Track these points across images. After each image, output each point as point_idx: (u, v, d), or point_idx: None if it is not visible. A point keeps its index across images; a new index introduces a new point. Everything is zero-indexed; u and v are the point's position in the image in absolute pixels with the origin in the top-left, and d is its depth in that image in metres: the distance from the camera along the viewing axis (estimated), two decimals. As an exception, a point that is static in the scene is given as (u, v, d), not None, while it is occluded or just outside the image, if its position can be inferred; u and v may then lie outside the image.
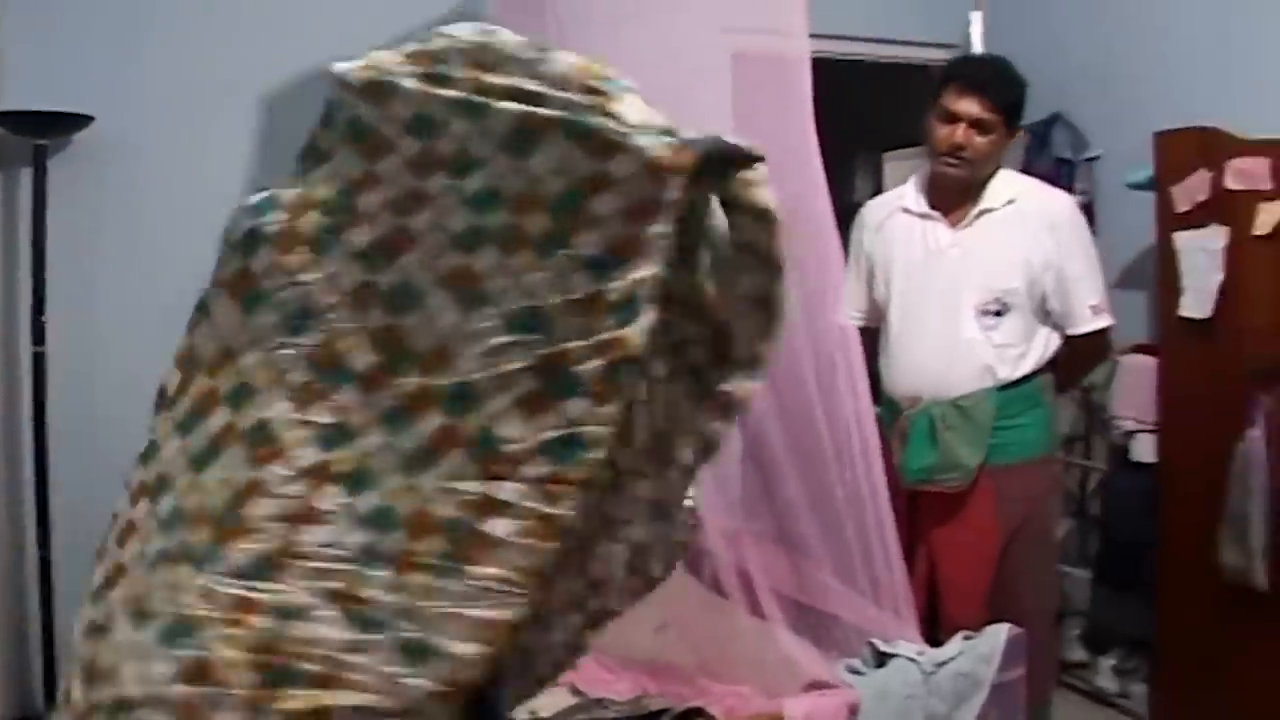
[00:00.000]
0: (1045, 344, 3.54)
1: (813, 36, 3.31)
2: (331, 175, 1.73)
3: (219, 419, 1.72)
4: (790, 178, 3.34)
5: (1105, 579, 4.72)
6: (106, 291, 4.19)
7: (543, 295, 1.60)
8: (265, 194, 1.78)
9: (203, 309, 1.80)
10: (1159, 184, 4.25)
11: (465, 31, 1.72)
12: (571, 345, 1.59)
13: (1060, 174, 5.02)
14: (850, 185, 7.01)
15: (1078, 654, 4.90)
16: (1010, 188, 3.55)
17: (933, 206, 3.61)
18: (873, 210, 3.85)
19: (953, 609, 3.52)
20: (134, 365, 3.97)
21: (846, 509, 3.26)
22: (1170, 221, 4.18)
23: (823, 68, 3.31)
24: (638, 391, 1.73)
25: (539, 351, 1.59)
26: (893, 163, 6.25)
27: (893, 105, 5.44)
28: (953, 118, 3.43)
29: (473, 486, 1.60)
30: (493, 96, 1.63)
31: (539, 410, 1.60)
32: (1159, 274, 4.26)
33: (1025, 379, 3.51)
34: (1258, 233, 3.91)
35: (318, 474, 1.67)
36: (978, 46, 4.62)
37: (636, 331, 1.57)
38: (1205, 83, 4.53)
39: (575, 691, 3.12)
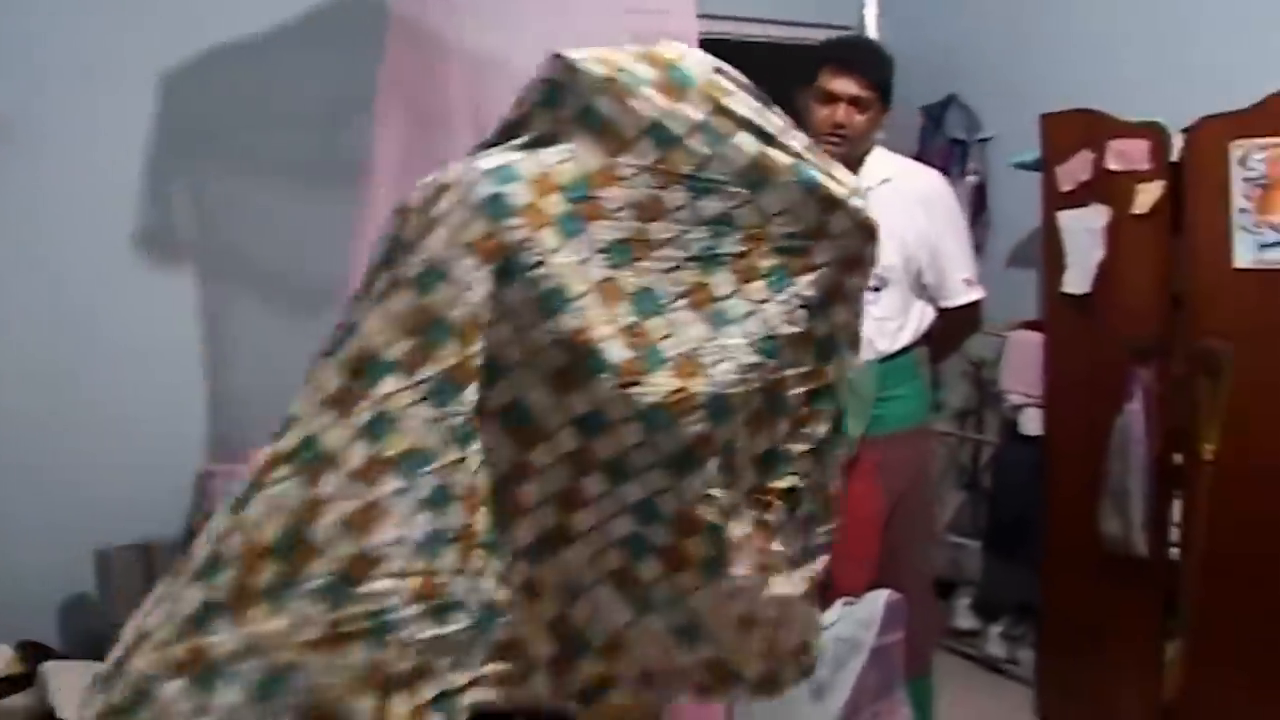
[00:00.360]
0: (920, 317, 3.63)
1: (706, 17, 3.36)
2: (568, 160, 1.74)
3: (474, 394, 1.70)
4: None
5: (994, 549, 4.83)
6: None
7: (776, 325, 1.79)
8: (497, 161, 1.75)
9: (436, 272, 1.69)
10: (1045, 164, 4.36)
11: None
12: (788, 373, 1.83)
13: (954, 154, 5.13)
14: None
15: (968, 622, 5.02)
16: (885, 167, 3.62)
17: None
18: None
19: (842, 578, 3.58)
20: (28, 352, 4.01)
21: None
22: (1055, 201, 4.29)
23: (718, 50, 3.36)
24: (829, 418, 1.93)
25: (769, 376, 1.80)
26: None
27: (789, 87, 5.52)
28: (831, 98, 3.48)
29: (723, 493, 1.79)
30: (731, 122, 1.77)
31: (760, 427, 1.83)
32: (1045, 252, 4.36)
33: (902, 351, 3.60)
34: (1136, 212, 4.03)
35: (580, 460, 1.74)
36: (872, 29, 4.68)
37: (834, 368, 1.88)
38: (1090, 66, 4.66)
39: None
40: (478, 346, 1.69)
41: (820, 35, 5.26)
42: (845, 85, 3.48)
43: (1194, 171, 3.91)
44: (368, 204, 3.60)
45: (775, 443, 1.88)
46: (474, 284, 1.68)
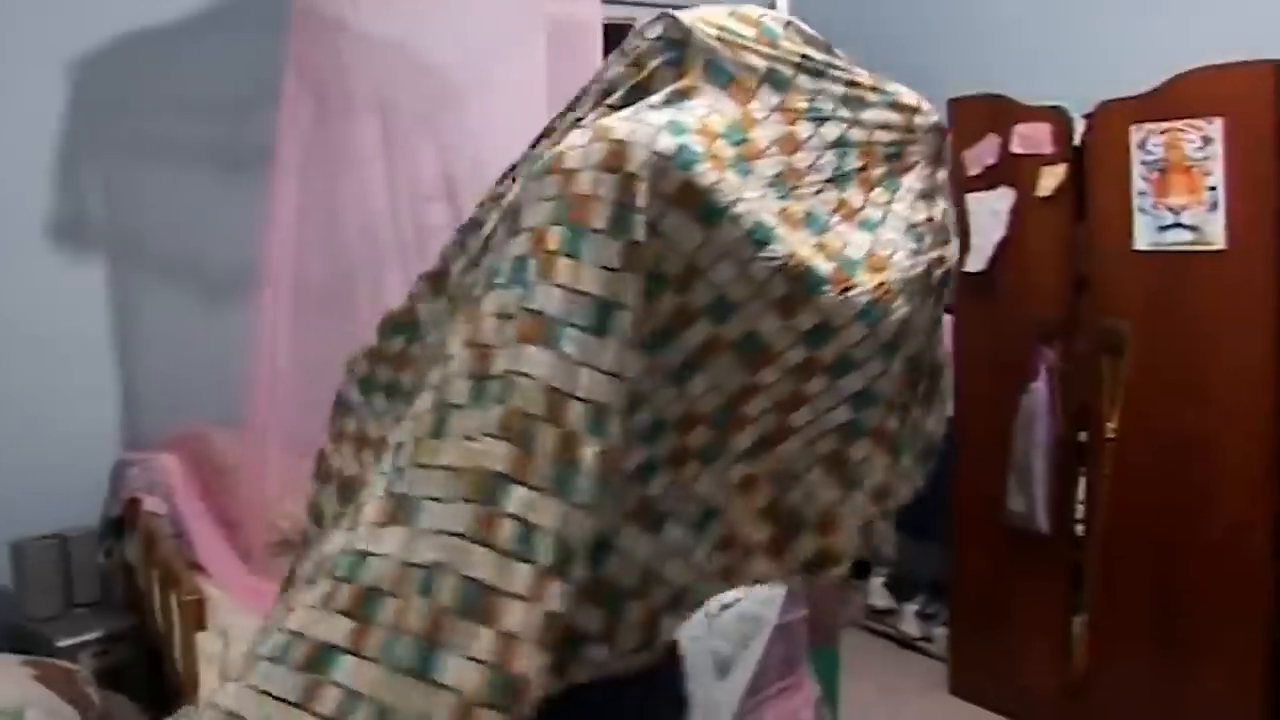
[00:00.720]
0: None
1: (611, 2, 3.40)
2: (713, 111, 1.81)
3: (699, 332, 1.77)
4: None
5: (907, 529, 4.87)
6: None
7: (907, 217, 1.93)
8: (664, 117, 1.76)
9: (644, 227, 1.71)
10: (953, 148, 4.40)
11: (770, 11, 1.91)
12: (932, 255, 1.97)
13: (866, 140, 5.17)
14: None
15: (884, 601, 5.09)
16: None
17: None
18: None
19: None
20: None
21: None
22: (963, 184, 4.35)
23: (621, 33, 3.39)
24: None
25: (925, 259, 1.94)
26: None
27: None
28: None
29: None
30: (817, 63, 1.88)
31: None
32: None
33: None
34: (1040, 195, 4.10)
35: (805, 368, 1.83)
36: (784, 12, 4.74)
37: (950, 249, 2.03)
38: (996, 51, 4.74)
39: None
40: (697, 291, 1.75)
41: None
42: None
43: (1095, 155, 3.99)
44: (274, 191, 3.61)
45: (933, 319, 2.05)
46: (681, 233, 1.73)
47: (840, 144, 1.90)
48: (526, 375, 1.67)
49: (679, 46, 1.86)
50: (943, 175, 2.05)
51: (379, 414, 2.12)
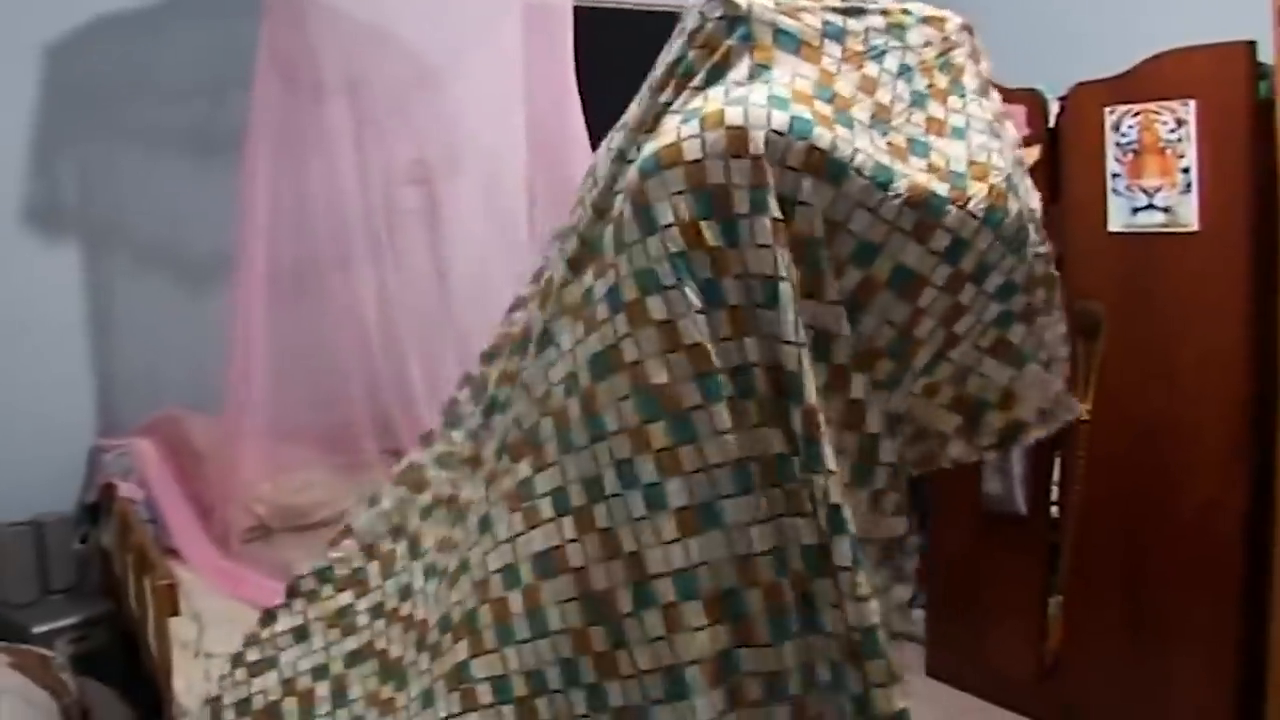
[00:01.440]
0: None
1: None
2: (795, 76, 1.95)
3: (852, 278, 1.96)
4: (553, 128, 3.45)
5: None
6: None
7: (981, 114, 2.16)
8: (760, 94, 1.89)
9: (789, 203, 1.87)
10: (928, 132, 4.42)
11: None
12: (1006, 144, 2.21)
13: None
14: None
15: (860, 583, 5.09)
16: None
17: None
18: None
19: None
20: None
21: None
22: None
23: (632, 20, 3.40)
24: None
25: (1012, 150, 2.24)
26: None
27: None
28: None
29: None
30: (851, 5, 2.08)
31: None
32: (929, 217, 4.42)
33: None
34: (1016, 176, 4.10)
35: (955, 281, 2.03)
36: (760, -1, 4.75)
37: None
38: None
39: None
40: (842, 242, 1.91)
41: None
42: None
43: (1070, 137, 3.98)
44: (246, 175, 3.60)
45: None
46: (816, 196, 1.87)
47: (904, 71, 2.08)
48: (755, 365, 1.88)
49: (744, 22, 1.97)
50: (985, 67, 2.28)
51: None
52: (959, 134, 2.07)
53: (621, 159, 2.03)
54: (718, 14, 1.97)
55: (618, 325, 1.91)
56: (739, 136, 1.83)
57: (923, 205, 1.92)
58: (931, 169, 1.98)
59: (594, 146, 3.38)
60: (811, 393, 1.84)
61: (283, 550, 3.72)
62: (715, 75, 1.96)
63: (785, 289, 1.84)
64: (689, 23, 2.03)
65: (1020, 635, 4.21)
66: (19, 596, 3.87)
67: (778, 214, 1.83)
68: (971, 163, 2.03)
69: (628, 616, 1.95)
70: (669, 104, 1.98)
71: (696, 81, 1.98)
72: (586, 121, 3.61)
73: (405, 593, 2.47)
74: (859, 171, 1.87)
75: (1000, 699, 4.29)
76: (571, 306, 2.03)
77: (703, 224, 1.85)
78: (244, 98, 3.64)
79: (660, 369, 1.87)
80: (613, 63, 4.37)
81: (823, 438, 1.84)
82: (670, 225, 1.86)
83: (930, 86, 2.10)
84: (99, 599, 3.95)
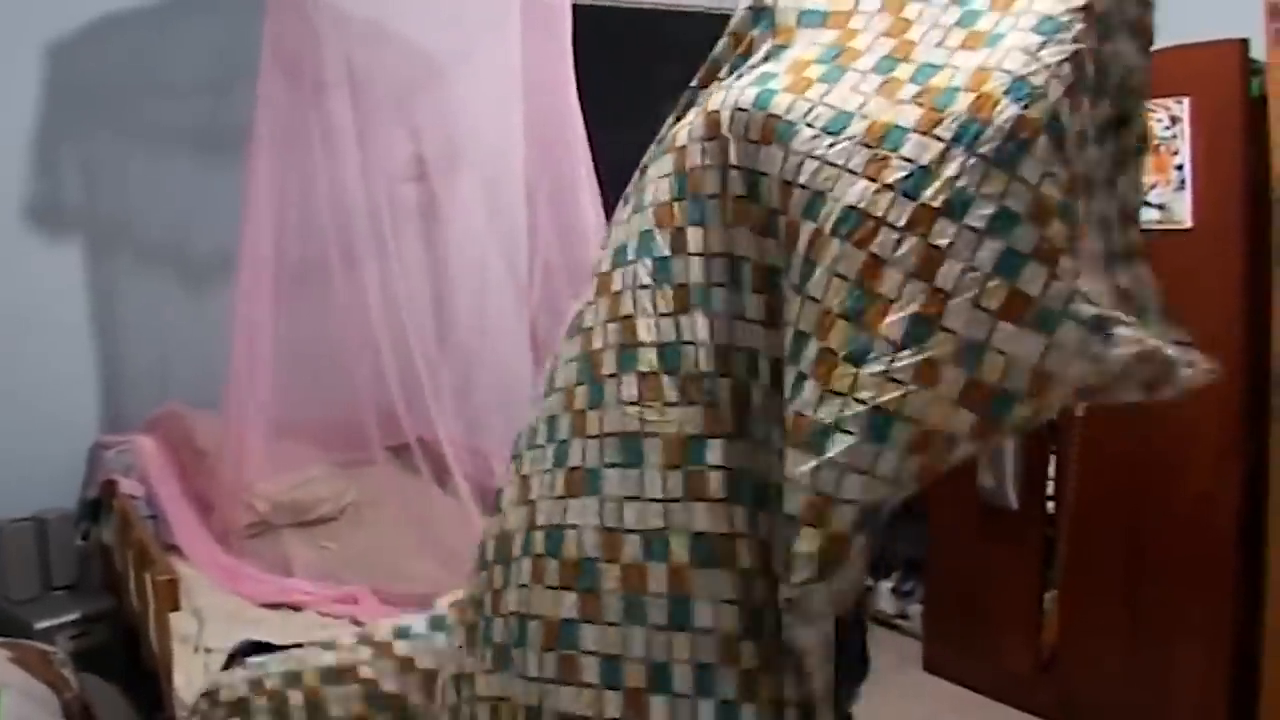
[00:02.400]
0: None
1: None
2: (808, 46, 1.93)
3: (805, 234, 1.79)
4: (552, 125, 3.47)
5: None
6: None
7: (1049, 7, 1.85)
8: (760, 70, 1.93)
9: (744, 175, 1.86)
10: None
11: None
12: None
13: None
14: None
15: (859, 579, 5.11)
16: None
17: None
18: None
19: None
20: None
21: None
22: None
23: (633, 18, 3.41)
24: None
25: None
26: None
27: (703, 55, 5.55)
28: None
29: None
30: None
31: None
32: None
33: None
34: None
35: (918, 220, 1.72)
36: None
37: None
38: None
39: (355, 623, 3.24)
40: (795, 200, 1.79)
41: (712, 5, 5.31)
42: None
43: (1065, 134, 3.99)
44: (249, 172, 3.62)
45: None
46: (770, 162, 1.83)
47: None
48: (690, 342, 1.86)
49: (768, 11, 2.00)
50: None
51: None
52: (991, 41, 1.83)
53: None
54: (745, 5, 2.03)
55: (590, 293, 2.00)
56: (714, 119, 1.88)
57: (879, 140, 1.75)
58: (919, 96, 1.79)
59: (592, 144, 3.45)
60: (766, 373, 1.85)
61: (284, 546, 3.74)
62: (738, 65, 2.02)
63: (745, 268, 1.87)
64: (733, 19, 2.08)
65: (1017, 630, 4.24)
66: (21, 592, 3.89)
67: (740, 191, 1.86)
68: (978, 69, 1.79)
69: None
70: (694, 89, 2.06)
71: (723, 73, 2.04)
72: (585, 119, 3.63)
73: None
74: (810, 125, 1.80)
75: (997, 693, 4.31)
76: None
77: (675, 204, 1.91)
78: (248, 95, 3.65)
79: (599, 336, 1.93)
80: (611, 60, 4.43)
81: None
82: (649, 206, 1.94)
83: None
84: (100, 595, 3.97)
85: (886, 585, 5.00)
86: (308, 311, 3.91)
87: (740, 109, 1.85)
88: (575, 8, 3.49)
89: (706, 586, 1.84)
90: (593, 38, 3.48)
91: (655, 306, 1.90)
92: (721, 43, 2.10)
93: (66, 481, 4.21)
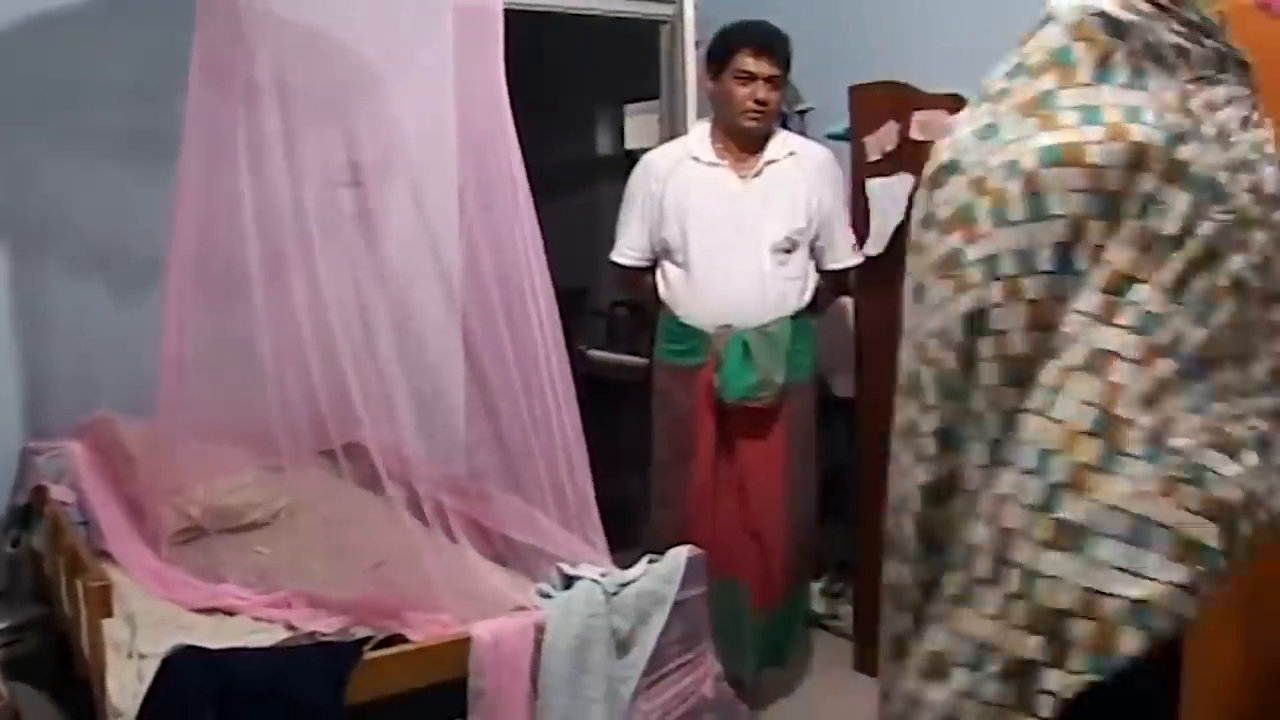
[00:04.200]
0: (812, 278, 4.14)
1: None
2: (1162, 89, 2.09)
3: (1228, 270, 2.07)
4: (486, 129, 3.48)
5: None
6: None
7: None
8: (1136, 98, 2.07)
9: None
10: (854, 135, 4.49)
11: None
12: None
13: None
14: (592, 137, 7.18)
15: (790, 580, 5.15)
16: (788, 142, 4.16)
17: (719, 157, 4.09)
18: (659, 160, 4.22)
19: (756, 513, 4.14)
20: None
21: (536, 442, 3.42)
22: (864, 170, 4.41)
23: (559, 23, 3.42)
24: None
25: None
26: (634, 115, 6.43)
27: (630, 60, 5.60)
28: (751, 77, 3.96)
29: None
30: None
31: None
32: (855, 220, 4.46)
33: (805, 309, 4.11)
34: (939, 180, 4.17)
35: None
36: (689, 4, 4.81)
37: None
38: (899, 39, 4.81)
39: (289, 627, 3.24)
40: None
41: (642, 9, 5.34)
42: (765, 66, 3.98)
43: (992, 140, 4.05)
44: (179, 177, 3.60)
45: None
46: (1173, 201, 2.05)
47: (1231, 101, 2.15)
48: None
49: (1124, 26, 2.10)
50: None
51: None
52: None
53: (992, 133, 2.15)
54: (1095, 11, 2.12)
55: (992, 293, 2.06)
56: (1140, 152, 2.01)
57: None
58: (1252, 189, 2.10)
59: (524, 148, 3.45)
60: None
61: (216, 552, 3.72)
62: (1102, 75, 2.10)
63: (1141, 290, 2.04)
64: (1066, 16, 2.16)
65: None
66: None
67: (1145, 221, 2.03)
68: None
69: None
70: (1050, 91, 2.11)
71: (1084, 77, 2.10)
72: (516, 123, 3.64)
73: None
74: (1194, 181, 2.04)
75: (927, 692, 4.35)
76: (936, 264, 2.16)
77: (1091, 223, 2.02)
78: (181, 100, 3.64)
79: (1023, 342, 2.05)
80: (541, 64, 4.46)
81: None
82: (1060, 217, 2.02)
83: (1248, 120, 2.15)
84: (30, 603, 3.95)
85: (817, 586, 5.05)
86: (238, 316, 3.89)
87: (1159, 147, 2.03)
88: (506, 11, 3.49)
89: None
90: (521, 40, 3.48)
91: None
92: (1058, 33, 2.17)
93: (-5, 487, 4.18)
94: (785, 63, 4.04)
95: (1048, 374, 2.04)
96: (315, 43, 3.77)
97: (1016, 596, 2.05)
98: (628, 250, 4.22)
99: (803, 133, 5.24)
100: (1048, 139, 2.05)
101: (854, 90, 4.45)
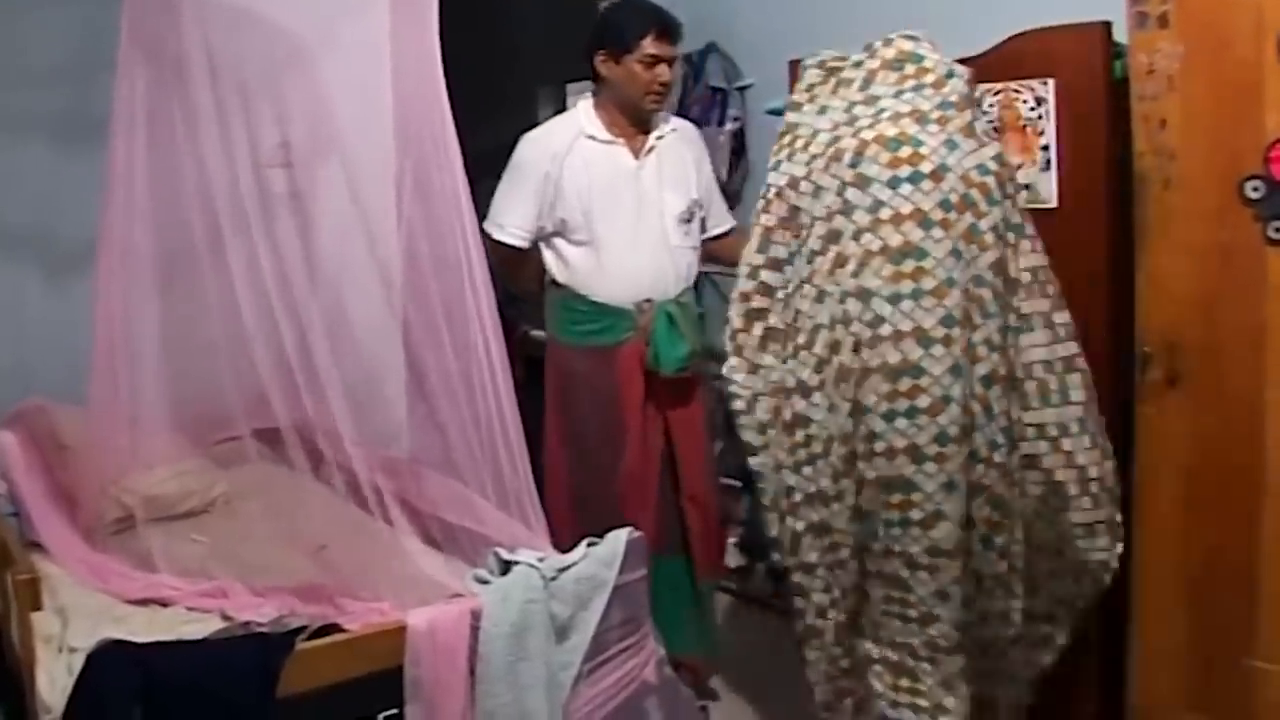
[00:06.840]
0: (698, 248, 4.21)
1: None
2: None
3: None
4: (419, 110, 3.43)
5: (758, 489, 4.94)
6: None
7: None
8: None
9: None
10: (795, 112, 4.45)
11: None
12: None
13: (715, 101, 5.19)
14: (534, 116, 7.11)
15: (736, 560, 5.15)
16: (667, 119, 4.30)
17: (613, 135, 4.11)
18: (550, 138, 4.17)
19: (692, 479, 4.19)
20: None
21: (473, 426, 3.38)
22: (807, 146, 4.38)
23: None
24: None
25: None
26: (577, 94, 6.38)
27: (572, 38, 5.55)
28: (657, 60, 4.04)
29: None
30: None
31: None
32: (796, 197, 4.44)
33: (698, 279, 4.25)
34: (878, 155, 4.15)
35: None
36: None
37: None
38: (836, 14, 4.78)
39: (224, 616, 3.19)
40: None
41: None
42: (667, 49, 4.05)
43: (934, 115, 4.04)
44: (110, 160, 3.54)
45: None
46: None
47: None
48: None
49: None
50: None
51: None
52: None
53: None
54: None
55: (1002, 250, 3.12)
56: None
57: None
58: None
59: (462, 127, 3.40)
60: None
61: (151, 541, 3.66)
62: None
63: None
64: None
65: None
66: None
67: None
68: None
69: None
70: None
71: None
72: (453, 101, 3.58)
73: None
74: None
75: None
76: (963, 234, 3.06)
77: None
78: (111, 83, 3.57)
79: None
80: (481, 41, 4.40)
81: None
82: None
83: None
84: (-41, 596, 3.87)
85: (762, 566, 5.04)
86: (172, 301, 3.83)
87: None
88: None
89: None
90: (458, 17, 3.42)
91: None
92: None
93: (-76, 479, 4.09)
94: (679, 45, 4.18)
95: None
96: (246, 18, 3.71)
97: None
98: (516, 230, 4.12)
99: (740, 110, 5.24)
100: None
101: (793, 65, 4.40)
